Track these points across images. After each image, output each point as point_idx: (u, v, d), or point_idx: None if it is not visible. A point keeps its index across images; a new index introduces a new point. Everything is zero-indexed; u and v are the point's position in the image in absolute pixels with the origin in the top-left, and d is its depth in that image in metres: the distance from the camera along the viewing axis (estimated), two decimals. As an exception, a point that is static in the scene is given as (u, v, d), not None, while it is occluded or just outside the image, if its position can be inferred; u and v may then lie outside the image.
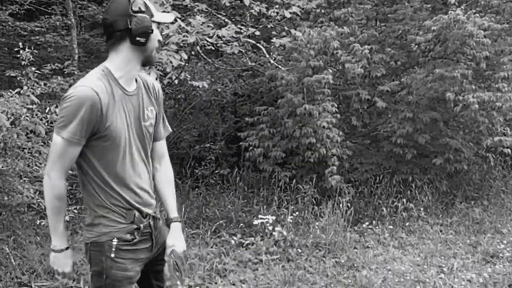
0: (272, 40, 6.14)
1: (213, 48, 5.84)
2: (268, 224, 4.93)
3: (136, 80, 2.09)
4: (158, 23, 2.05)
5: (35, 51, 4.81)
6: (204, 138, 7.83)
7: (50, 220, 1.99)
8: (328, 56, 6.28)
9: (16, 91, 4.30)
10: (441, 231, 5.55)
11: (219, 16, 6.73)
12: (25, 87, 4.37)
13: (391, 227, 5.49)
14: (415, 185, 6.20)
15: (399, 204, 5.79)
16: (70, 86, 6.13)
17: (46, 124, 4.34)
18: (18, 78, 4.67)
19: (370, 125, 7.01)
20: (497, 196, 6.68)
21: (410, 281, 4.21)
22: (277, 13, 5.95)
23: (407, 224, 5.63)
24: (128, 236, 2.00)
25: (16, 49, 4.65)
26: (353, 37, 6.43)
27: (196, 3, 6.06)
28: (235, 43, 5.59)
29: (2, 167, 4.01)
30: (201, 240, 4.87)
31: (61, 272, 2.06)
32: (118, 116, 1.97)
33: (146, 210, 2.07)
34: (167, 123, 2.27)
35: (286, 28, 6.57)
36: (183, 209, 5.32)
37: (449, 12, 5.93)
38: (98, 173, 1.97)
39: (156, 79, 4.74)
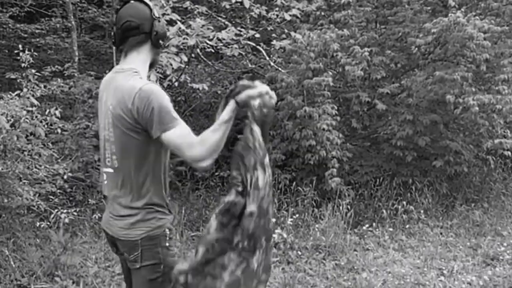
0: (272, 43, 6.15)
1: (213, 51, 5.85)
2: (268, 226, 4.92)
3: None
4: None
5: (35, 53, 4.82)
6: (204, 140, 7.80)
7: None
8: (328, 58, 6.28)
9: (16, 93, 4.31)
10: (441, 233, 5.55)
11: (219, 18, 6.74)
12: (25, 89, 4.38)
13: (391, 229, 5.49)
14: (415, 188, 6.20)
15: (399, 207, 5.79)
16: (70, 88, 6.22)
17: (46, 126, 4.34)
18: (18, 80, 4.67)
19: (370, 128, 7.00)
20: (497, 199, 6.68)
21: (410, 283, 4.21)
22: (277, 15, 5.97)
23: (407, 226, 5.62)
24: (172, 226, 2.17)
25: (16, 51, 4.64)
26: (353, 39, 6.43)
27: (196, 6, 6.08)
28: (235, 46, 5.59)
29: (2, 169, 4.01)
30: (201, 242, 4.85)
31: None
32: None
33: None
34: None
35: (286, 30, 6.58)
36: (183, 211, 5.32)
37: (449, 14, 5.93)
38: (164, 163, 2.12)
39: (156, 81, 4.74)
